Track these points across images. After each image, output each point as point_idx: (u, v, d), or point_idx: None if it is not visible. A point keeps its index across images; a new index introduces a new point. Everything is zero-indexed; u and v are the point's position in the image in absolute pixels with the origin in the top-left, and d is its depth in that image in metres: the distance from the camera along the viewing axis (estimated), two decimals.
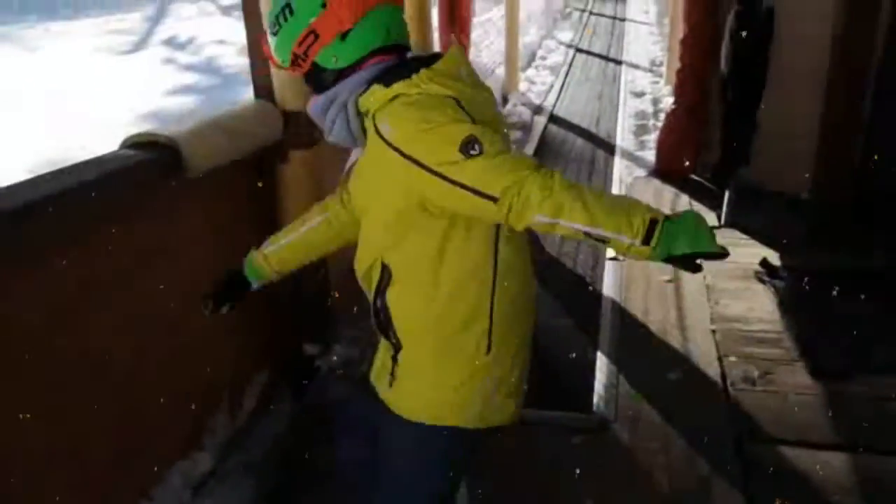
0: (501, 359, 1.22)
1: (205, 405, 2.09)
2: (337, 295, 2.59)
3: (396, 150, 1.08)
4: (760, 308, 2.82)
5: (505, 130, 1.26)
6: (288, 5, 1.15)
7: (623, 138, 5.36)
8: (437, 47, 4.06)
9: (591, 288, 3.10)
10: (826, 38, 3.29)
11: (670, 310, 2.84)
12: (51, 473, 1.51)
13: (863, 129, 3.29)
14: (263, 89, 2.24)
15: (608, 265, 3.28)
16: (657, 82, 6.82)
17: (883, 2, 3.10)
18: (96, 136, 7.38)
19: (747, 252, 3.29)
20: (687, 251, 0.99)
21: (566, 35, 9.95)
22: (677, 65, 4.42)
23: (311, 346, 2.48)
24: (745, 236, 3.50)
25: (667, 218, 1.01)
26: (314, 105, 1.21)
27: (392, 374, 1.25)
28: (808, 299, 2.85)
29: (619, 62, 8.32)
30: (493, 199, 1.04)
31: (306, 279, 2.45)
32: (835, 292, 2.86)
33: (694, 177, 4.33)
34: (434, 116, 1.07)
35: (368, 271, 1.24)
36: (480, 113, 1.13)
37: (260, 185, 2.28)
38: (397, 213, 1.16)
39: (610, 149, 5.18)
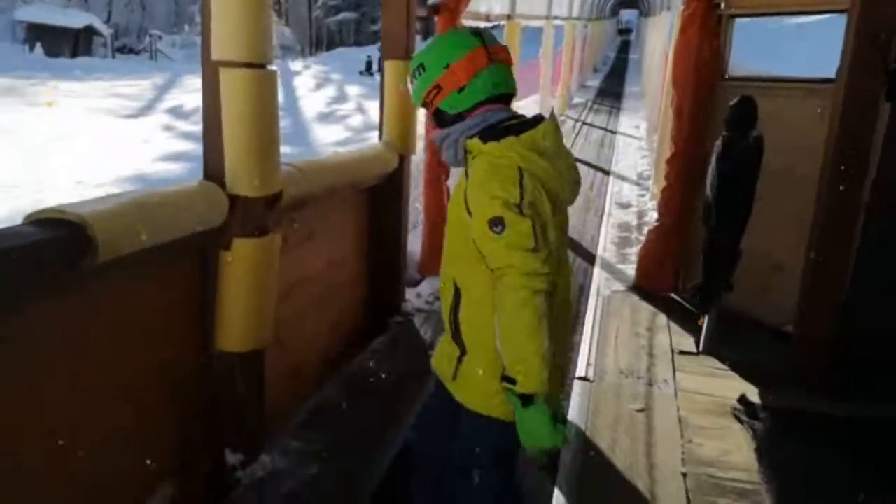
0: None
1: None
2: (272, 397, 2.34)
3: (465, 194, 1.47)
4: (737, 451, 2.58)
5: (567, 196, 1.56)
6: (422, 65, 1.52)
7: (605, 249, 5.25)
8: None
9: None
10: (815, 171, 3.22)
11: (639, 444, 2.59)
12: None
13: (850, 268, 3.16)
14: (213, 171, 2.08)
15: (576, 385, 3.05)
16: (643, 195, 6.81)
17: (874, 141, 3.05)
18: (73, 194, 7.27)
19: (725, 385, 3.08)
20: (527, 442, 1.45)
21: None
22: (663, 181, 4.37)
23: (233, 455, 2.20)
24: (723, 366, 3.30)
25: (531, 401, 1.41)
26: (435, 135, 1.60)
27: (456, 370, 1.60)
28: (789, 446, 2.62)
29: (607, 172, 8.39)
30: (490, 269, 1.44)
31: (240, 376, 2.22)
32: (817, 440, 2.65)
33: (673, 296, 4.18)
34: (493, 186, 1.40)
35: (445, 285, 1.60)
36: (543, 181, 1.45)
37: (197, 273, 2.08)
38: (465, 241, 1.49)
39: (591, 259, 5.06)
